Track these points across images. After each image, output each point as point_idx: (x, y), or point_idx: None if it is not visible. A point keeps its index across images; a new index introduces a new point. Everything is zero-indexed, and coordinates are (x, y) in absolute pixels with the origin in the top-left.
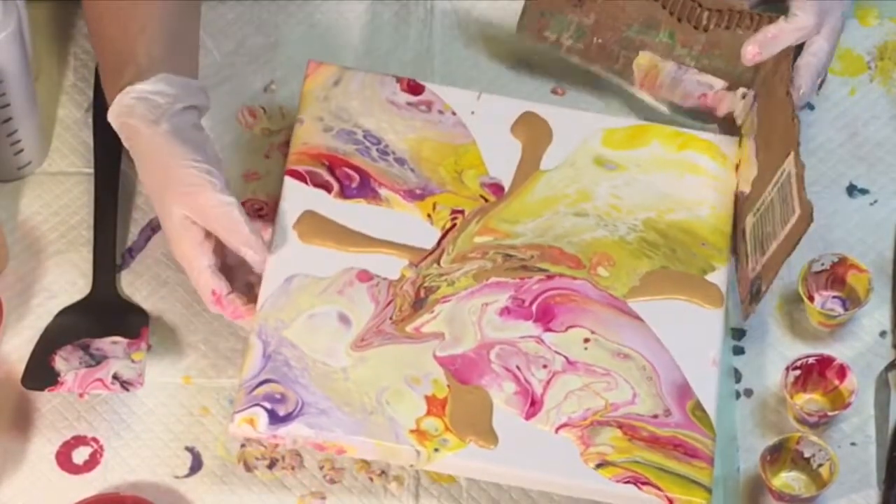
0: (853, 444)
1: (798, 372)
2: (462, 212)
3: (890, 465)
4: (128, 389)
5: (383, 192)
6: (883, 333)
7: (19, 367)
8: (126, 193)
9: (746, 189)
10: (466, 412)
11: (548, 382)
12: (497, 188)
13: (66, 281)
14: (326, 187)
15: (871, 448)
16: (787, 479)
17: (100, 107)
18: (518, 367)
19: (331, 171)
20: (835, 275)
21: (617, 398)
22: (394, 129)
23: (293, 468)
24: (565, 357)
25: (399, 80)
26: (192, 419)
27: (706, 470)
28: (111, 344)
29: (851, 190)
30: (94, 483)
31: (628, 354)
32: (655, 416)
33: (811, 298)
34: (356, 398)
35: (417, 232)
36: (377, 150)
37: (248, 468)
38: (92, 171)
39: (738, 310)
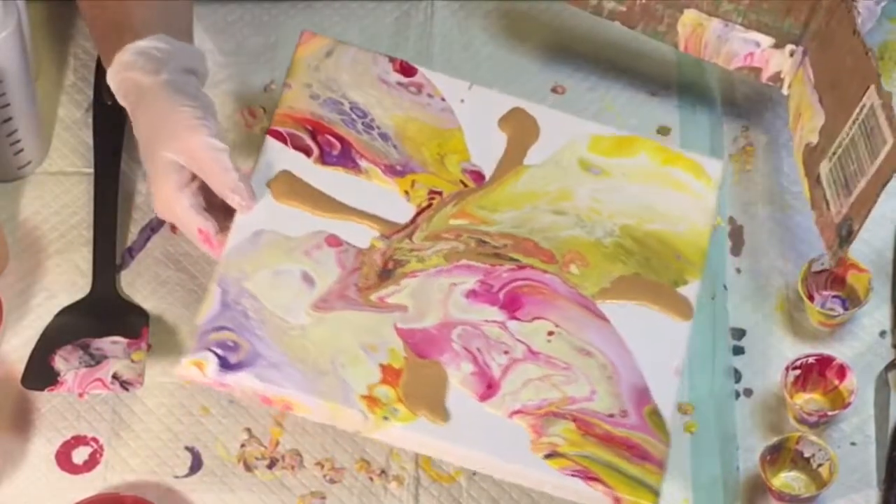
0: (853, 443)
1: (798, 372)
2: (440, 193)
3: (890, 464)
4: (128, 389)
5: (363, 163)
6: (883, 333)
7: (19, 367)
8: (126, 193)
9: (814, 139)
10: (420, 386)
11: (507, 368)
12: (478, 176)
13: (66, 281)
14: (306, 151)
15: (870, 448)
16: (787, 479)
17: (100, 107)
18: (478, 350)
19: (313, 136)
20: (835, 275)
21: (575, 392)
22: (381, 104)
23: (293, 468)
24: (527, 346)
25: (392, 60)
26: (192, 419)
27: (657, 474)
28: (111, 344)
29: None
30: (94, 483)
31: (591, 352)
32: (611, 416)
33: (811, 298)
34: (310, 357)
35: (393, 206)
36: (362, 122)
37: (248, 468)
38: (92, 170)
39: (745, 304)
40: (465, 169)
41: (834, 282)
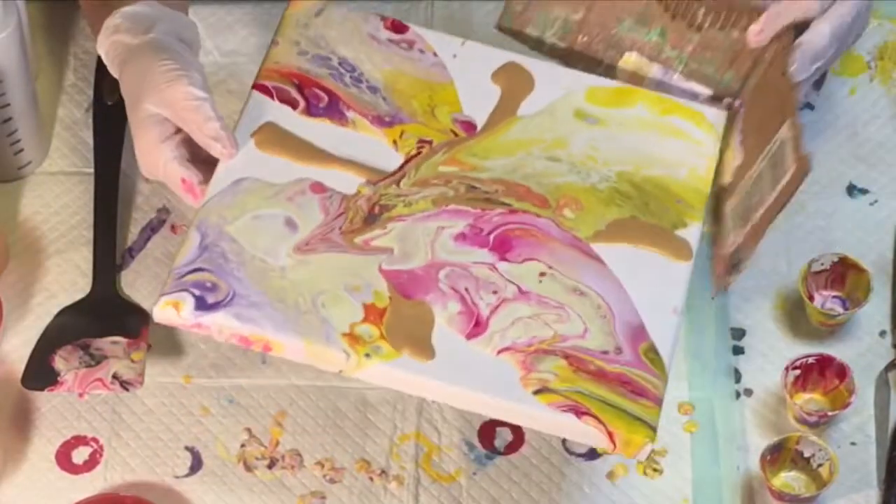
0: (853, 443)
1: (798, 372)
2: (430, 142)
3: (890, 464)
4: (128, 389)
5: (350, 114)
6: (883, 333)
7: (19, 367)
8: (126, 193)
9: (728, 179)
10: (405, 324)
11: (495, 307)
12: (469, 126)
13: (66, 281)
14: (292, 104)
15: (870, 448)
16: (787, 479)
17: (100, 107)
18: (466, 290)
19: (299, 89)
20: (835, 275)
21: (566, 331)
22: (371, 60)
23: (293, 468)
24: (518, 287)
25: (384, 18)
26: (192, 419)
27: (653, 409)
28: (111, 344)
29: (851, 190)
30: (94, 483)
31: (584, 292)
32: (605, 353)
33: (811, 298)
34: (291, 297)
35: (380, 155)
36: (350, 76)
37: (248, 468)
38: (92, 170)
39: (745, 304)
40: (455, 119)
41: (834, 282)
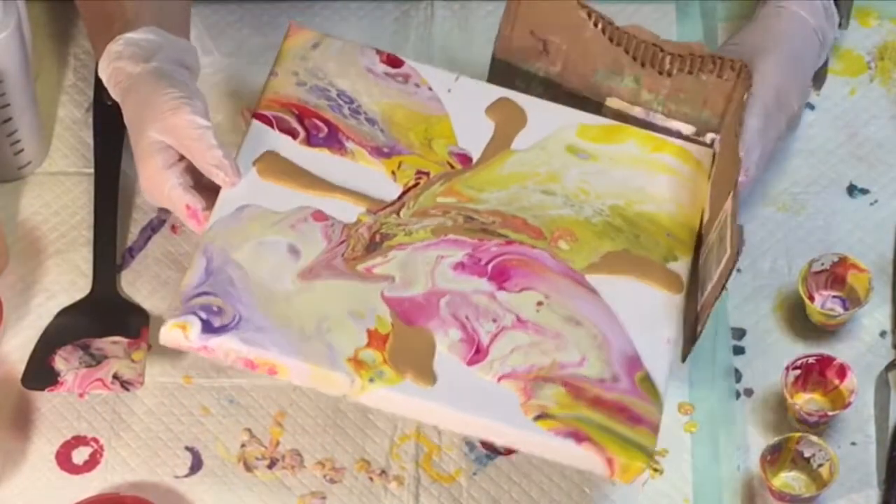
0: (853, 443)
1: (798, 372)
2: (427, 173)
3: (890, 465)
4: (128, 389)
5: (350, 145)
6: (883, 333)
7: (19, 367)
8: (126, 193)
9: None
10: (407, 350)
11: (495, 335)
12: (465, 158)
13: (66, 281)
14: (293, 133)
15: (871, 448)
16: (787, 479)
17: (100, 107)
18: (467, 317)
19: (299, 119)
20: (835, 275)
21: (565, 359)
22: (368, 92)
23: (293, 468)
24: (516, 315)
25: (379, 52)
26: (192, 419)
27: (650, 436)
28: (111, 344)
29: (852, 190)
30: (94, 483)
31: (580, 322)
32: (602, 381)
33: (811, 298)
34: (295, 322)
35: (380, 185)
36: (349, 108)
37: (248, 468)
38: (92, 171)
39: (746, 304)
40: (452, 152)
41: (834, 282)
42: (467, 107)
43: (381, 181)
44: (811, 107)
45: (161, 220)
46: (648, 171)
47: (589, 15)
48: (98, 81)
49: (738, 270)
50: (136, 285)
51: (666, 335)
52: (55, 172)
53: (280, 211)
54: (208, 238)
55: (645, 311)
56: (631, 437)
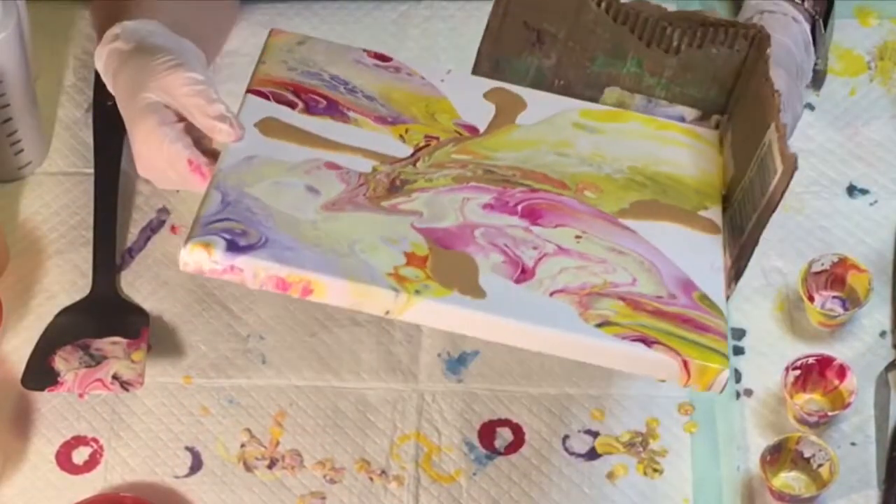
0: (853, 444)
1: (798, 372)
2: (437, 138)
3: (890, 465)
4: (127, 390)
5: (352, 114)
6: (883, 333)
7: (19, 368)
8: (126, 193)
9: (722, 192)
10: (450, 268)
11: (539, 259)
12: (472, 129)
13: (66, 281)
14: (291, 105)
15: (870, 448)
16: (787, 479)
17: (100, 107)
18: (506, 245)
19: (296, 94)
20: (835, 275)
21: (616, 279)
22: (361, 77)
23: (293, 468)
24: (557, 245)
25: (366, 51)
26: (192, 419)
27: (721, 342)
28: (111, 344)
29: (852, 190)
30: (94, 483)
31: (624, 252)
32: (660, 297)
33: (811, 299)
34: (326, 243)
35: (389, 146)
36: (345, 87)
37: (248, 468)
38: (92, 171)
39: (746, 304)
40: (457, 123)
41: (834, 282)
42: (464, 92)
43: (389, 143)
44: (811, 107)
45: (161, 221)
46: (660, 143)
47: None
48: (98, 81)
49: None
50: (136, 286)
51: (714, 264)
52: (55, 173)
53: (291, 161)
54: (220, 177)
55: (686, 249)
56: (702, 341)
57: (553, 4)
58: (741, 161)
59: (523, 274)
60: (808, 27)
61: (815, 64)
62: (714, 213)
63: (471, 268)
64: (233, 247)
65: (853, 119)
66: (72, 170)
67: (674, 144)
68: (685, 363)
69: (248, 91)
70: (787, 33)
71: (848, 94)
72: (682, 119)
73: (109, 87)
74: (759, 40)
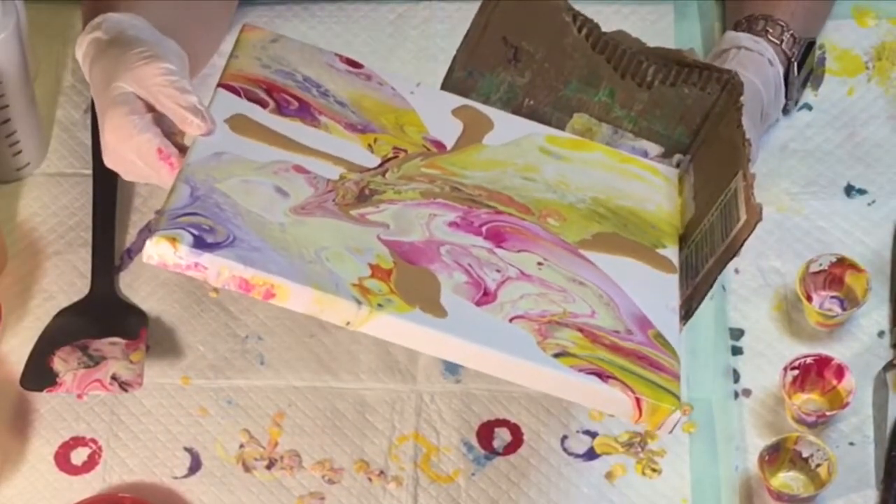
0: (851, 443)
1: (796, 372)
2: (405, 150)
3: (888, 464)
4: (126, 390)
5: (323, 118)
6: (881, 333)
7: (18, 368)
8: (125, 194)
9: (680, 232)
10: (413, 284)
11: (501, 283)
12: (440, 145)
13: (64, 282)
14: (262, 104)
15: (869, 448)
16: (786, 479)
17: None
18: (469, 265)
19: (268, 93)
20: (833, 275)
21: (575, 310)
22: (333, 81)
23: (292, 469)
24: (519, 269)
25: (338, 55)
26: (191, 420)
27: (674, 383)
28: (110, 345)
29: (849, 190)
30: (93, 484)
31: (583, 283)
32: (617, 332)
33: (809, 299)
34: (294, 248)
35: (357, 154)
36: (317, 90)
37: (247, 469)
38: (90, 172)
39: (744, 305)
40: (426, 137)
41: (832, 282)
42: (433, 107)
43: (358, 151)
44: (809, 107)
45: None
46: (621, 176)
47: (574, 19)
48: None
49: (736, 271)
50: (135, 286)
51: (670, 305)
52: (53, 174)
53: (259, 161)
54: (189, 171)
55: (644, 284)
56: (656, 380)
57: (535, 24)
58: (702, 204)
59: (485, 296)
60: (782, 70)
61: (785, 106)
62: (671, 253)
63: (434, 285)
64: (199, 243)
65: (851, 119)
66: (70, 171)
67: (635, 179)
68: (638, 401)
69: (220, 85)
70: (760, 74)
71: (846, 95)
72: (646, 154)
73: (86, 76)
74: (731, 86)
